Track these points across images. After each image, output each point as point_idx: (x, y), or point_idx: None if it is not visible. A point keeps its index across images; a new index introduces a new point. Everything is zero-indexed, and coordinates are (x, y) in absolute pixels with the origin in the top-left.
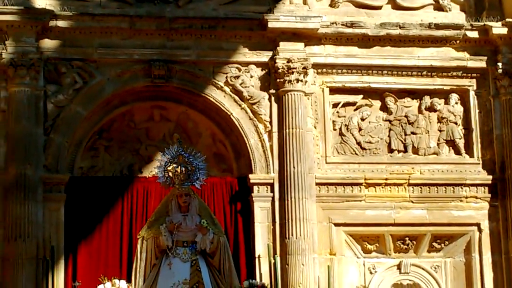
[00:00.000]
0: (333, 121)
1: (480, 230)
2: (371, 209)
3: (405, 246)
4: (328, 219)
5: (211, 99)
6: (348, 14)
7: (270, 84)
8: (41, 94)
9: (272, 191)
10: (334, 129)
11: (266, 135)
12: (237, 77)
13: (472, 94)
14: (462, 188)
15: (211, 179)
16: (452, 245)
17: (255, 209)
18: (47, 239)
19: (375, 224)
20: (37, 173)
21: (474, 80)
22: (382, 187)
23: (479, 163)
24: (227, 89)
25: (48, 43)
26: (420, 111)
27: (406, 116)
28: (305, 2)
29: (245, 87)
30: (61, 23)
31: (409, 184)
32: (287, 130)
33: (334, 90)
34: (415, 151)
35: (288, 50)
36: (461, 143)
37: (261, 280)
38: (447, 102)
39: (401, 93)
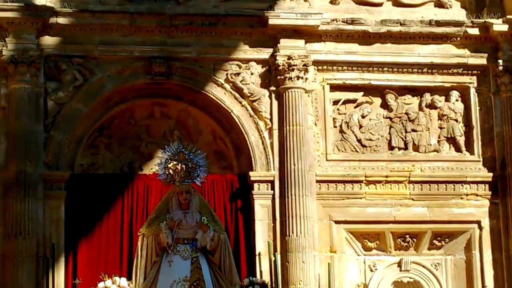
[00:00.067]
0: (334, 118)
1: (480, 228)
2: (371, 206)
3: (406, 244)
4: (328, 216)
5: (212, 96)
6: (348, 11)
7: (270, 81)
8: (42, 91)
9: (273, 188)
10: (335, 126)
11: (267, 132)
12: (238, 74)
13: (472, 91)
14: (462, 185)
15: (211, 176)
16: (453, 243)
17: (256, 206)
18: (47, 236)
19: (375, 222)
20: (38, 170)
21: (474, 77)
22: (383, 185)
23: (479, 161)
24: (227, 86)
25: (49, 40)
26: (420, 108)
27: (406, 113)
28: None
29: (246, 84)
30: (61, 20)
31: (410, 182)
32: (288, 127)
33: (334, 87)
34: (416, 148)
35: (289, 47)
36: (461, 140)
37: (261, 277)
38: (447, 99)
39: (401, 90)
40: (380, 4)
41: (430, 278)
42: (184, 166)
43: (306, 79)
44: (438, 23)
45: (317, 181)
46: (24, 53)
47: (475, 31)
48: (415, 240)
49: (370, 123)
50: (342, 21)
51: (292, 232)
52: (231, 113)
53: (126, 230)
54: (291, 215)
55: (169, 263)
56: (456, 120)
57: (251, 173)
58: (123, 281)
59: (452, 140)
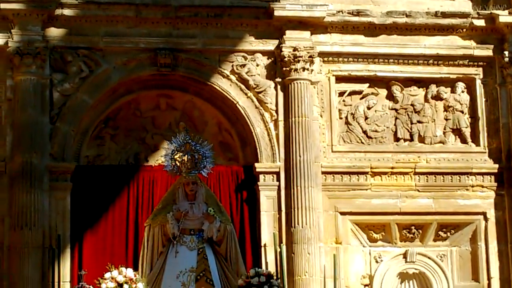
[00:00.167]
0: (339, 110)
1: (486, 219)
2: (377, 198)
3: (411, 235)
4: (334, 208)
5: (217, 87)
6: (354, 3)
7: (276, 73)
8: (47, 82)
9: (278, 179)
10: (340, 118)
11: (272, 124)
12: (243, 65)
13: (478, 82)
14: (468, 177)
15: (217, 167)
16: (458, 234)
17: (261, 198)
18: (53, 227)
19: (381, 213)
20: (43, 161)
21: (480, 69)
22: (388, 176)
23: (485, 152)
24: (233, 77)
25: (54, 32)
26: (426, 100)
27: (412, 105)
28: None
29: (251, 75)
30: (67, 12)
31: (415, 173)
32: (293, 119)
33: (340, 79)
34: (421, 139)
35: (294, 39)
36: (467, 131)
37: (266, 269)
38: (453, 91)
39: (407, 82)
40: None
41: (436, 269)
42: (190, 157)
43: (312, 70)
44: (444, 15)
45: (323, 173)
46: (30, 44)
47: (481, 23)
48: (420, 231)
49: (376, 115)
50: (348, 13)
51: (298, 224)
52: (237, 105)
53: (132, 221)
54: (297, 207)
55: (175, 254)
56: (462, 112)
57: (256, 165)
58: (130, 271)
59: (457, 132)
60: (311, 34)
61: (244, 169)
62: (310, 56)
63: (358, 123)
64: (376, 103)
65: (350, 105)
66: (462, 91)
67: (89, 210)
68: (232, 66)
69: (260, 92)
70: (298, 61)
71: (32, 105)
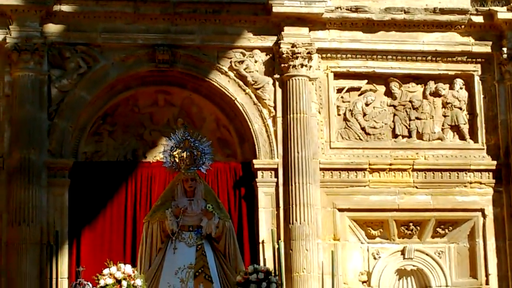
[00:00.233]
0: (338, 106)
1: (484, 216)
2: (375, 194)
3: (409, 232)
4: (332, 204)
5: (216, 84)
6: None
7: (274, 69)
8: (45, 78)
9: (276, 176)
10: (339, 114)
11: (270, 120)
12: (242, 62)
13: (477, 79)
14: (466, 173)
15: (215, 164)
16: (456, 231)
17: (259, 194)
18: (51, 224)
19: (379, 210)
20: (41, 158)
21: (479, 65)
22: (386, 173)
23: (483, 149)
24: (231, 74)
25: (52, 28)
26: (424, 96)
27: (410, 101)
28: None
29: (250, 72)
30: (65, 8)
31: (413, 170)
32: (292, 115)
33: (338, 75)
34: (420, 136)
35: (293, 35)
36: (465, 128)
37: (264, 265)
38: (451, 87)
39: (405, 78)
40: None
41: (434, 266)
42: (189, 153)
43: (310, 67)
44: (443, 11)
45: (321, 169)
46: (28, 40)
47: (479, 19)
48: (418, 228)
49: (374, 111)
50: (346, 9)
51: (296, 220)
52: (235, 101)
53: (130, 218)
54: (295, 203)
55: (174, 250)
56: (460, 108)
57: (254, 161)
58: (128, 268)
59: (456, 128)
60: (310, 30)
61: (242, 166)
62: (308, 53)
63: (357, 120)
64: (374, 100)
65: (349, 101)
66: (461, 88)
67: (87, 206)
68: (231, 62)
69: (258, 89)
70: (297, 58)
71: (30, 101)
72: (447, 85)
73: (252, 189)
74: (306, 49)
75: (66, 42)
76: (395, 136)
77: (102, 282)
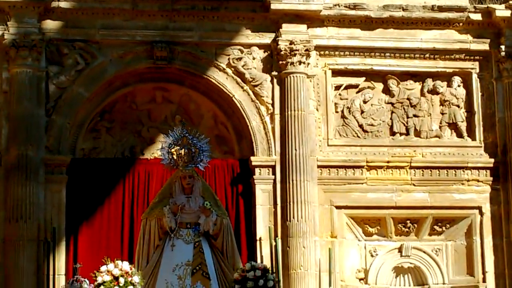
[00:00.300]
0: (335, 104)
1: (481, 214)
2: (372, 192)
3: (406, 229)
4: (329, 201)
5: (213, 81)
6: None
7: (272, 66)
8: (43, 75)
9: (274, 173)
10: (336, 112)
11: (268, 117)
12: (240, 59)
13: (474, 77)
14: (464, 171)
15: (213, 161)
16: (454, 228)
17: (257, 191)
18: (48, 220)
19: (376, 207)
20: (39, 154)
21: (476, 63)
22: (384, 170)
23: (481, 146)
24: (229, 71)
25: (50, 24)
26: (422, 94)
27: (408, 99)
28: None
29: (248, 69)
30: (63, 4)
31: (411, 167)
32: (289, 112)
33: (336, 72)
34: (417, 134)
35: (291, 32)
36: (463, 126)
37: (262, 262)
38: (449, 85)
39: (403, 76)
40: None
41: (431, 263)
42: (187, 151)
43: (308, 64)
44: (441, 8)
45: (319, 166)
46: (26, 37)
47: (477, 17)
48: (416, 225)
49: (372, 109)
50: (345, 6)
51: (293, 217)
52: (233, 98)
53: (127, 215)
54: (292, 200)
55: (171, 247)
56: (458, 106)
57: (252, 158)
58: (126, 265)
59: (453, 126)
60: (308, 27)
61: (239, 163)
62: (306, 50)
63: (354, 117)
64: (372, 97)
65: (346, 99)
66: (459, 85)
67: (85, 203)
68: (229, 59)
69: (256, 86)
70: (295, 55)
71: (28, 98)
72: (445, 83)
73: (249, 186)
74: (304, 46)
75: (64, 39)
76: (392, 133)
77: (99, 279)
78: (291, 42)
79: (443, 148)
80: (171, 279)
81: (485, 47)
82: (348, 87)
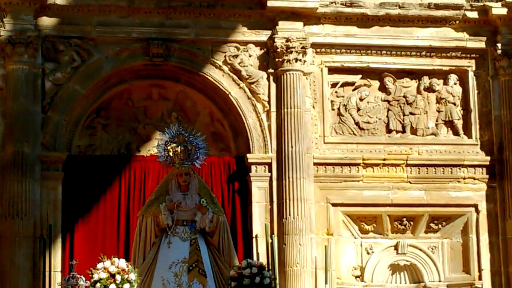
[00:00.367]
0: (332, 101)
1: (477, 211)
2: (368, 189)
3: (403, 227)
4: (325, 199)
5: (210, 78)
6: None
7: (268, 64)
8: (39, 72)
9: (270, 170)
10: (333, 109)
11: (264, 115)
12: (236, 56)
13: (471, 74)
14: (460, 169)
15: (209, 158)
16: (450, 226)
17: (253, 188)
18: (44, 217)
19: (372, 205)
20: (35, 151)
21: (473, 61)
22: (380, 168)
23: (477, 144)
24: (225, 68)
25: (46, 21)
26: (418, 92)
27: (404, 97)
28: None
29: (244, 66)
30: (59, 1)
31: (407, 165)
32: (286, 110)
33: (332, 70)
34: (413, 131)
35: (287, 30)
36: (459, 123)
37: (258, 259)
38: (446, 83)
39: (400, 73)
40: None
41: (427, 261)
42: (183, 148)
43: (305, 61)
44: (437, 6)
45: (315, 164)
46: (22, 33)
47: (474, 15)
48: (412, 223)
49: (368, 106)
50: (341, 4)
51: (289, 215)
52: (229, 95)
53: (123, 212)
54: (288, 198)
55: (168, 245)
56: (454, 104)
57: (248, 155)
58: (122, 262)
59: (450, 124)
60: (304, 25)
61: (236, 160)
62: (302, 47)
63: (351, 115)
64: (368, 95)
65: (343, 96)
66: (455, 83)
67: (81, 200)
68: (225, 56)
69: (252, 83)
70: (291, 52)
71: (24, 95)
72: (441, 81)
73: (245, 184)
74: (301, 43)
75: (60, 36)
76: (389, 131)
77: (96, 276)
78: (288, 40)
79: (439, 146)
80: (167, 276)
81: (482, 45)
82: (345, 84)
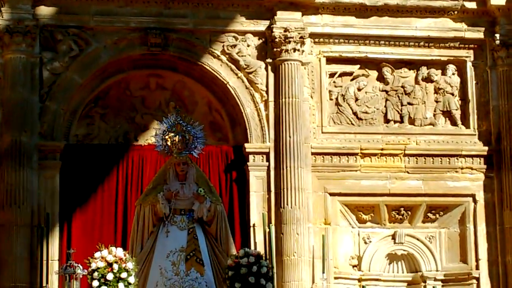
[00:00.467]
0: (330, 91)
1: (475, 201)
2: (366, 179)
3: (400, 217)
4: (323, 188)
5: (208, 67)
6: None
7: (267, 53)
8: (37, 61)
9: (268, 160)
10: (331, 99)
11: (262, 104)
12: (234, 46)
13: (469, 65)
14: (457, 159)
15: (207, 147)
16: (447, 216)
17: (251, 178)
18: (42, 206)
19: (370, 194)
20: (33, 140)
21: (471, 51)
22: (378, 157)
23: (475, 134)
24: (223, 58)
25: (44, 10)
26: (417, 82)
27: (402, 87)
28: None
29: (242, 56)
30: None
31: (405, 155)
32: (284, 100)
33: (331, 60)
34: (411, 121)
35: (285, 19)
36: (457, 114)
37: (255, 249)
38: (444, 73)
39: (398, 64)
40: None
41: (424, 251)
42: (181, 137)
43: (303, 51)
44: None
45: (313, 153)
46: (20, 23)
47: (472, 5)
48: (409, 213)
49: (366, 96)
50: None
51: (287, 204)
52: (227, 85)
53: (121, 201)
54: (286, 187)
55: (166, 234)
56: (452, 94)
57: (246, 145)
58: (120, 251)
59: (448, 114)
60: (302, 15)
61: (234, 149)
62: (301, 37)
63: (349, 105)
64: (366, 85)
65: (341, 86)
66: (453, 74)
67: (78, 189)
68: (223, 46)
69: (250, 73)
70: (289, 42)
71: (21, 84)
72: (440, 71)
73: (243, 173)
74: (299, 33)
75: (58, 25)
76: (387, 121)
77: (93, 265)
78: (286, 30)
79: (437, 136)
80: (165, 265)
81: (480, 35)
82: (343, 74)
